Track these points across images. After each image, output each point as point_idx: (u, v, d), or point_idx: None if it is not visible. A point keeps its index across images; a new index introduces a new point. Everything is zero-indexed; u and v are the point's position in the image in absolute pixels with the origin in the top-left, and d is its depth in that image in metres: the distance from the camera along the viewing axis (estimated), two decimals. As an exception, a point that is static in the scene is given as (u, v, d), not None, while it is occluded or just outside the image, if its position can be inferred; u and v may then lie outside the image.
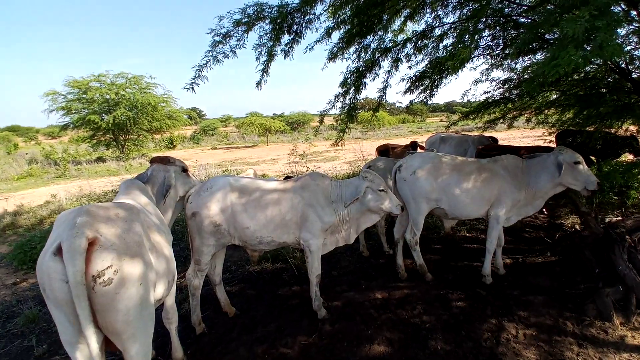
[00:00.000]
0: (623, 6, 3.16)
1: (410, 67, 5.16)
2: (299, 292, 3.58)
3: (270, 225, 2.86)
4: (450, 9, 4.34)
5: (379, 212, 3.06)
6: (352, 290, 3.52)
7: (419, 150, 5.57)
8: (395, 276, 3.75)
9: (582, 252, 3.36)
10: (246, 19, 3.68)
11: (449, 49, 4.13)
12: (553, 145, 5.68)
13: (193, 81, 3.76)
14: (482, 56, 5.12)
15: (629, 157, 6.12)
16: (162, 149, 23.52)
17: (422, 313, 3.07)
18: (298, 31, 3.99)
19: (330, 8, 4.02)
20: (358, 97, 4.80)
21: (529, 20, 3.95)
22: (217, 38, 3.70)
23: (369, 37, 4.45)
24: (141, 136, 20.01)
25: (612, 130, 5.38)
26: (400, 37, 4.84)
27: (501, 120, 6.11)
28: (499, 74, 6.04)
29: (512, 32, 4.52)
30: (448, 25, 4.49)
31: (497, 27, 4.47)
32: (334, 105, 4.84)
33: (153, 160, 2.74)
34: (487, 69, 5.48)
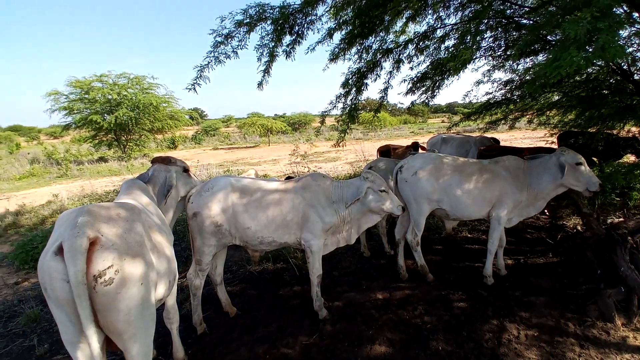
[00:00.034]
0: (625, 8, 3.16)
1: (411, 68, 5.15)
2: (300, 292, 3.59)
3: (272, 225, 2.87)
4: (452, 10, 4.33)
5: (380, 212, 3.06)
6: (353, 291, 3.52)
7: (420, 151, 5.58)
8: (396, 277, 3.74)
9: (584, 253, 3.35)
10: (248, 20, 3.68)
11: (450, 50, 4.12)
12: (555, 146, 5.67)
13: (195, 82, 3.77)
14: (483, 57, 5.12)
15: (630, 158, 6.10)
16: (163, 149, 23.58)
17: (424, 314, 3.07)
18: (300, 32, 3.99)
19: (332, 9, 4.01)
20: (359, 98, 4.80)
21: (531, 22, 3.95)
22: (219, 39, 3.71)
23: (370, 38, 4.44)
24: (143, 136, 20.09)
25: (614, 132, 5.37)
26: (402, 38, 4.84)
27: (503, 122, 6.12)
28: (500, 75, 6.07)
29: (514, 33, 4.52)
30: (450, 26, 4.49)
31: (499, 29, 4.47)
32: (335, 106, 4.84)
33: (154, 161, 2.74)
34: (488, 70, 5.49)
